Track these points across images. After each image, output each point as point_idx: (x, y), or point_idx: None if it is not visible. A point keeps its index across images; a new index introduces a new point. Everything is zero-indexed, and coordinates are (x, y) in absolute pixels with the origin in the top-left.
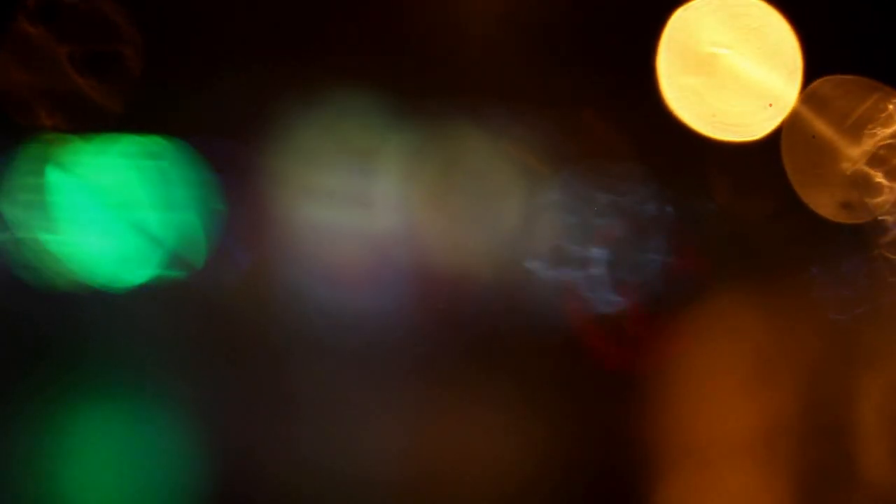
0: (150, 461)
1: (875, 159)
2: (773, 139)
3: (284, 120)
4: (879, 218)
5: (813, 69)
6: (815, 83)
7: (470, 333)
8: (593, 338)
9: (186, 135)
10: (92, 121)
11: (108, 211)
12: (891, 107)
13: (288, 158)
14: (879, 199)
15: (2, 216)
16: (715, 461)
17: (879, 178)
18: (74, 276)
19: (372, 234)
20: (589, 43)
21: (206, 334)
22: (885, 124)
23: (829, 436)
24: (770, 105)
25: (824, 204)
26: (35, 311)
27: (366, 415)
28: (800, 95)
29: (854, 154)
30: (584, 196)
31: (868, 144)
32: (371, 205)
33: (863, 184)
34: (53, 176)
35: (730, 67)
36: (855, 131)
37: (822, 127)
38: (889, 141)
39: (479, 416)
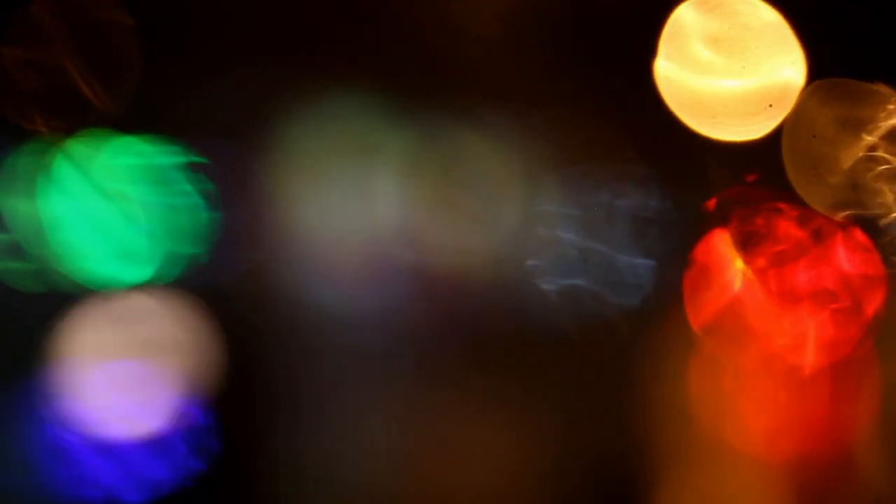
0: (149, 460)
1: (875, 159)
2: (773, 139)
3: (284, 120)
4: (879, 218)
5: (813, 69)
6: (815, 83)
7: (470, 334)
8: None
9: (186, 135)
10: (91, 121)
11: (107, 212)
12: (891, 107)
13: (287, 158)
14: (879, 200)
15: (0, 216)
16: (716, 462)
17: (880, 177)
18: (73, 276)
19: (372, 234)
20: (589, 43)
21: (205, 335)
22: (886, 124)
23: (828, 436)
24: (770, 105)
25: (824, 204)
26: (33, 311)
27: (365, 414)
28: (800, 95)
29: (854, 154)
30: (583, 196)
31: (868, 144)
32: (371, 205)
33: (863, 184)
34: (52, 176)
35: (730, 67)
36: (855, 131)
37: (822, 127)
38: (889, 141)
39: (479, 417)
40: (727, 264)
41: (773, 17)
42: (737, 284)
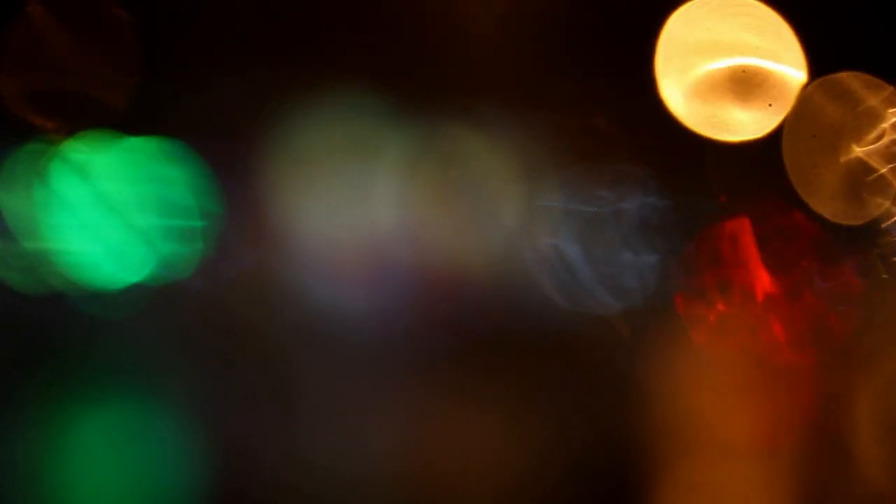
0: (149, 461)
1: (875, 159)
2: (773, 139)
3: (284, 120)
4: (879, 218)
5: (813, 69)
6: (815, 83)
7: (469, 334)
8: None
9: (186, 135)
10: (92, 121)
11: (107, 211)
12: (891, 106)
13: (287, 159)
14: (880, 200)
15: (0, 217)
16: (715, 462)
17: (880, 178)
18: (73, 276)
19: (372, 235)
20: (589, 43)
21: (206, 335)
22: (886, 123)
23: (828, 437)
24: (770, 105)
25: (824, 204)
26: (33, 311)
27: (365, 415)
28: (800, 95)
29: (854, 154)
30: (583, 196)
31: (868, 144)
32: (371, 205)
33: (863, 184)
34: (52, 176)
35: (729, 67)
36: (855, 131)
37: (822, 126)
38: (889, 140)
39: (478, 416)
40: (726, 264)
41: (774, 16)
42: (736, 284)
